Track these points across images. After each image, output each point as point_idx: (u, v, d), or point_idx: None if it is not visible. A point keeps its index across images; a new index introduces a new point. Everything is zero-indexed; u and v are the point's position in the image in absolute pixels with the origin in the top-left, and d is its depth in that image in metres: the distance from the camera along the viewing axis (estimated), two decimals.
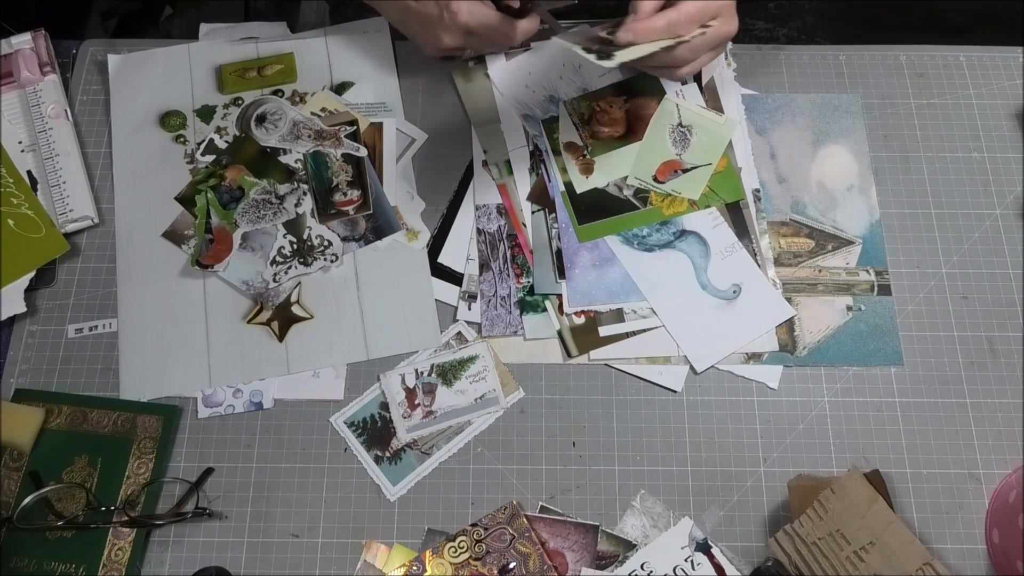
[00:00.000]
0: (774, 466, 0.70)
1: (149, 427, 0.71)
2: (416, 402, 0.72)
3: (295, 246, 0.77)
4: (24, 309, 0.75)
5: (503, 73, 0.83)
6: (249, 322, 0.75)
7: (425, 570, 0.67)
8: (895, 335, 0.74)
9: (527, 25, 0.74)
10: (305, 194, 0.79)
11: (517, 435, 0.72)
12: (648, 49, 0.69)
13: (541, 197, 0.79)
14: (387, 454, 0.71)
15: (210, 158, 0.80)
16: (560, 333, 0.74)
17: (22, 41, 0.84)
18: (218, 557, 0.68)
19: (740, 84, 0.83)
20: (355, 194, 0.79)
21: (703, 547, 0.68)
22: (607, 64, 0.67)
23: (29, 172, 0.80)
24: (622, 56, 0.68)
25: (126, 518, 0.68)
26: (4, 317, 0.74)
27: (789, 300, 0.75)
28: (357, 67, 0.85)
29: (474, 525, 0.68)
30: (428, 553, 0.67)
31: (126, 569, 0.67)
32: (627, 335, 0.74)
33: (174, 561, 0.68)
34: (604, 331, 0.74)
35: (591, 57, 0.67)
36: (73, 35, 0.88)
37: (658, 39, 0.69)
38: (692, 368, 0.73)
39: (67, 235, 0.78)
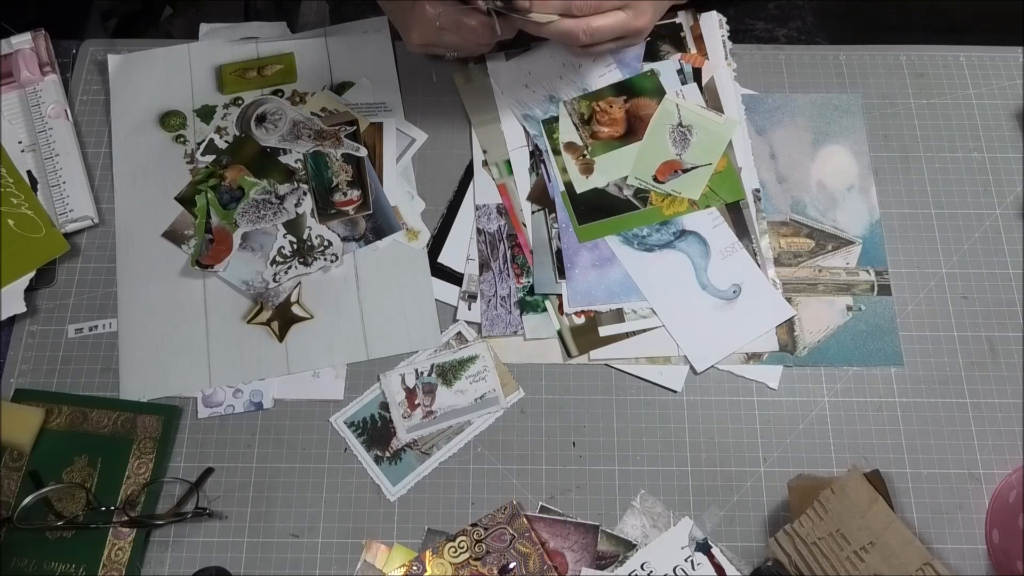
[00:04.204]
0: (774, 466, 0.70)
1: (149, 427, 0.71)
2: (416, 402, 0.72)
3: (295, 246, 0.77)
4: (24, 309, 0.75)
5: (503, 73, 0.83)
6: (249, 322, 0.75)
7: (425, 570, 0.66)
8: (895, 335, 0.74)
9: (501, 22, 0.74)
10: (305, 194, 0.79)
11: (517, 435, 0.72)
12: (541, 19, 0.72)
13: (541, 197, 0.79)
14: (387, 454, 0.71)
15: (210, 158, 0.80)
16: (560, 333, 0.74)
17: (22, 41, 0.84)
18: (218, 557, 0.68)
19: (740, 84, 0.83)
20: (355, 194, 0.79)
21: (703, 547, 0.67)
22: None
23: (29, 172, 0.80)
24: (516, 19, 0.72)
25: (126, 518, 0.68)
26: (4, 317, 0.74)
27: (789, 300, 0.75)
28: (357, 67, 0.85)
29: (474, 525, 0.68)
30: (428, 553, 0.67)
31: (126, 569, 0.67)
32: (627, 335, 0.74)
33: (174, 561, 0.68)
34: (604, 331, 0.74)
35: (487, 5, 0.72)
36: (73, 35, 0.88)
37: (553, 12, 0.72)
38: (692, 368, 0.73)
39: (67, 235, 0.78)
